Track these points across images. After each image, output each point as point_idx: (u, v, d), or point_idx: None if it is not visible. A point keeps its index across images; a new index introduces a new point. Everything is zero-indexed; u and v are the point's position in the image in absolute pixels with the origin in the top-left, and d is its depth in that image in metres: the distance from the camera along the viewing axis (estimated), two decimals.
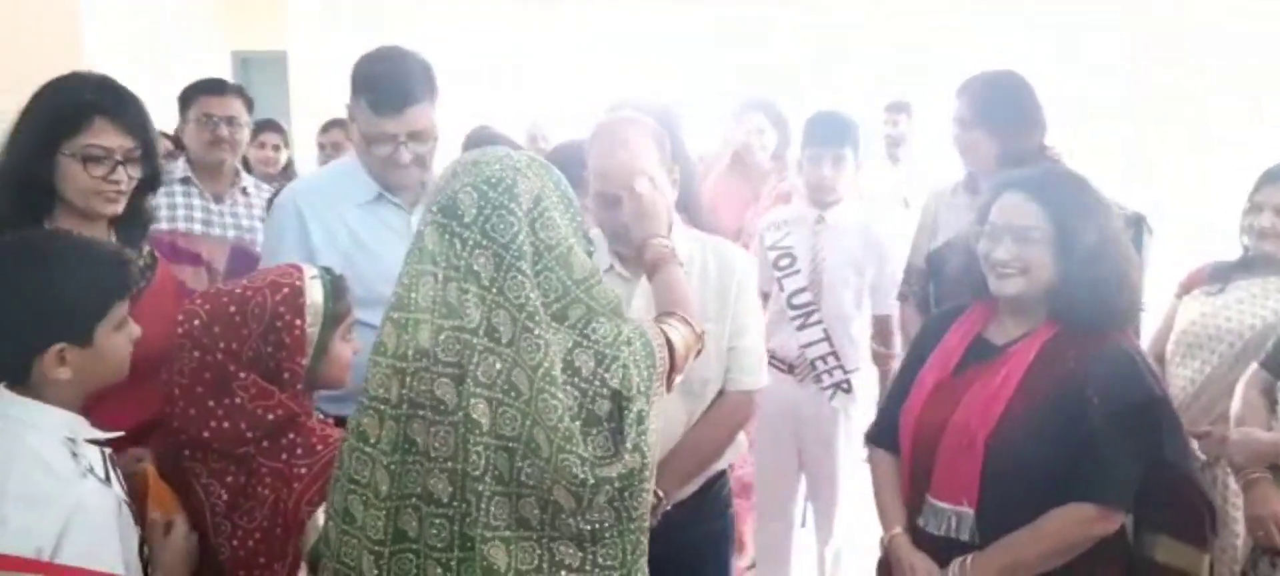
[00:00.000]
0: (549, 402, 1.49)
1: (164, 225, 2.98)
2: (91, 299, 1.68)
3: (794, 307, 3.25)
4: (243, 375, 1.79)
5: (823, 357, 3.25)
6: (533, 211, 1.56)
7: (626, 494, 1.52)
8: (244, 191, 3.23)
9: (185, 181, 3.12)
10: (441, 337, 1.51)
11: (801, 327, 3.21)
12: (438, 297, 1.52)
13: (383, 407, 1.54)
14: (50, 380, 1.64)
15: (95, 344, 1.67)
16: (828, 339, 3.24)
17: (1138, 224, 2.65)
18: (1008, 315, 2.04)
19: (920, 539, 2.03)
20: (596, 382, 1.53)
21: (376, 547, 1.56)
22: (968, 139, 2.76)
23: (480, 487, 1.50)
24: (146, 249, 2.13)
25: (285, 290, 1.83)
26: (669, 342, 1.68)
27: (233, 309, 1.81)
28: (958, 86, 2.82)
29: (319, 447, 1.82)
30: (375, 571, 1.56)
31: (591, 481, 1.49)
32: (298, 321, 1.82)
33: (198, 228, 3.05)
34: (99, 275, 1.71)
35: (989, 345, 2.04)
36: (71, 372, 1.64)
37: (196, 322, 1.81)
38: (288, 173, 4.43)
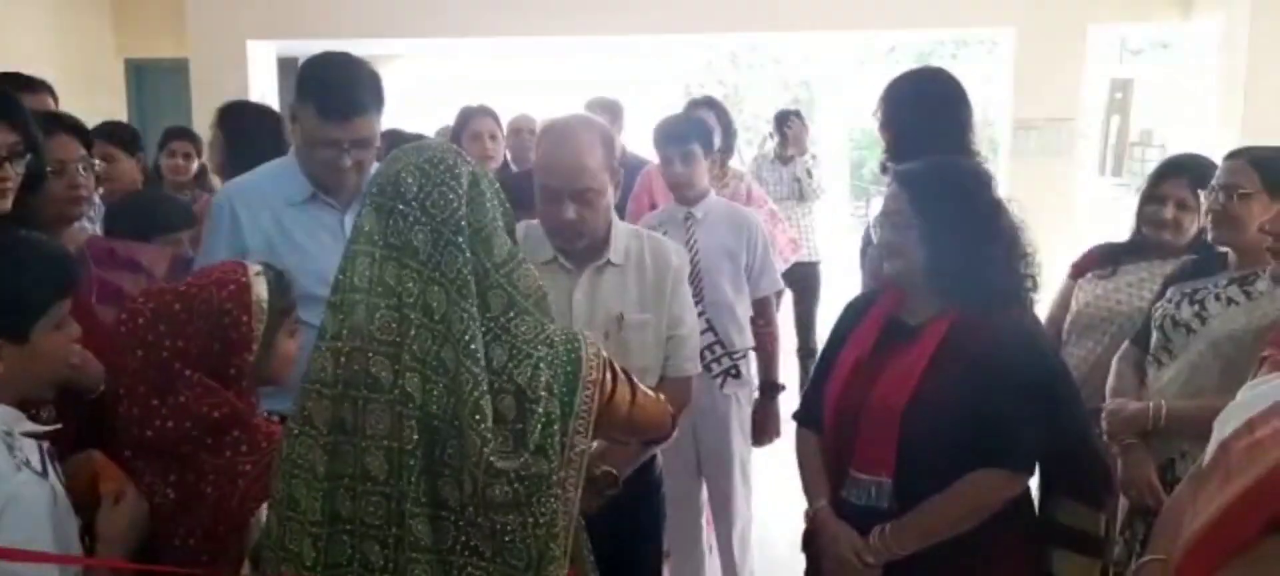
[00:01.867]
0: (466, 376, 1.50)
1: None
2: (30, 296, 1.67)
3: None
4: (189, 373, 1.79)
5: (709, 347, 3.30)
6: (470, 191, 1.58)
7: (529, 496, 1.52)
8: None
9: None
10: (377, 316, 1.53)
11: None
12: (374, 277, 1.54)
13: (320, 388, 1.55)
14: None
15: (32, 342, 1.66)
16: (712, 328, 3.31)
17: None
18: (917, 298, 2.18)
19: (843, 510, 2.15)
20: (503, 377, 1.54)
21: (314, 530, 1.56)
22: (889, 129, 2.86)
23: (412, 462, 1.51)
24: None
25: (232, 287, 1.84)
26: (624, 376, 1.72)
27: (178, 306, 1.81)
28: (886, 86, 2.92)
29: (263, 444, 1.82)
30: (313, 554, 1.56)
31: (486, 465, 1.49)
32: (245, 317, 1.83)
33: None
34: (39, 272, 1.70)
35: (903, 326, 2.17)
36: (4, 369, 1.64)
37: (140, 321, 1.81)
38: (201, 181, 4.38)
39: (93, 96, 6.74)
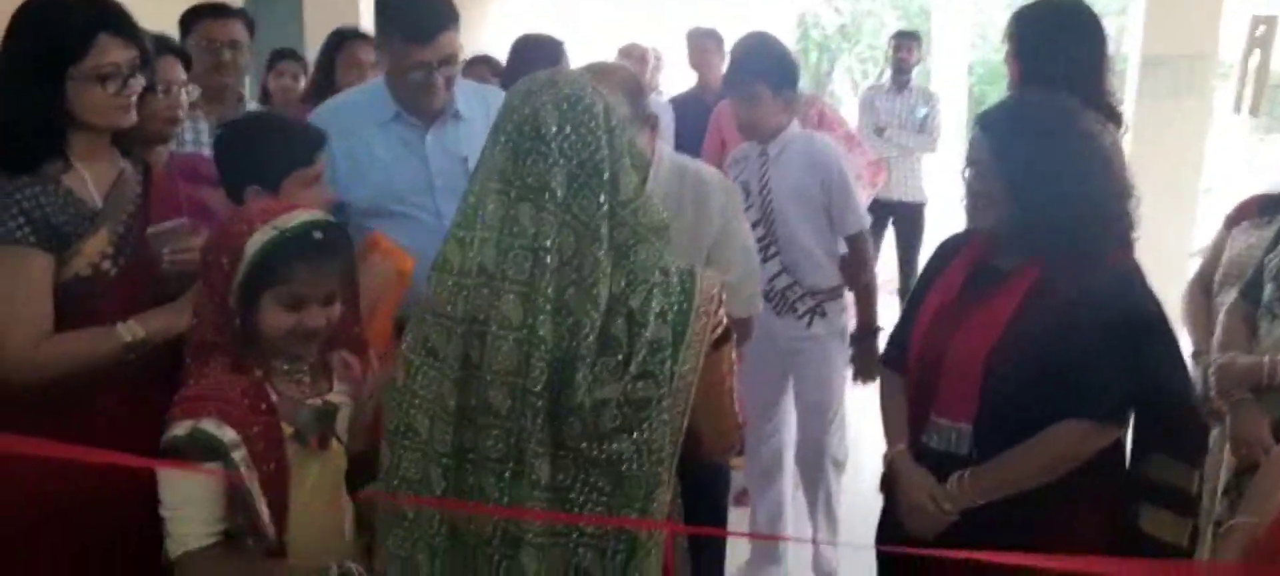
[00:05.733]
0: (586, 320, 1.51)
1: (190, 148, 3.04)
2: (279, 156, 2.18)
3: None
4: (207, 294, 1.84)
5: (789, 287, 3.26)
6: (607, 127, 1.57)
7: (639, 420, 1.53)
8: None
9: (191, 106, 3.13)
10: (510, 255, 1.53)
11: (764, 261, 3.20)
12: (507, 216, 1.54)
13: (449, 323, 1.56)
14: None
15: (281, 195, 2.10)
16: (786, 271, 3.26)
17: None
18: (1007, 242, 2.09)
19: (923, 454, 2.10)
20: (619, 303, 1.54)
21: (445, 460, 1.58)
22: (1016, 62, 2.68)
23: (539, 404, 1.52)
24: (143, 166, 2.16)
25: (241, 227, 1.81)
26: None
27: (216, 235, 1.86)
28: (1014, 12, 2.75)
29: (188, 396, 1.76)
30: (443, 483, 1.59)
31: (589, 404, 1.51)
32: (224, 260, 1.79)
33: (207, 152, 3.08)
34: (288, 137, 2.22)
35: (994, 270, 2.09)
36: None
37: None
38: (307, 102, 4.47)
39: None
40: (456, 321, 1.56)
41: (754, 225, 3.20)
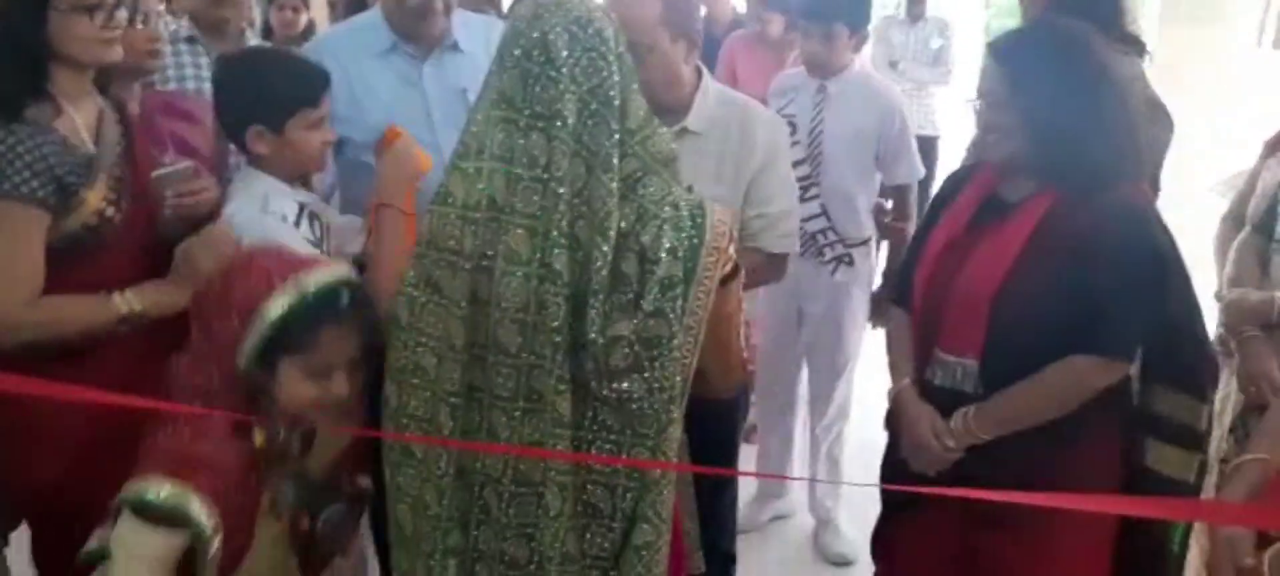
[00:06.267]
0: (597, 253, 1.47)
1: (172, 84, 3.00)
2: (283, 95, 2.05)
3: None
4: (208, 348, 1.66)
5: (822, 231, 3.20)
6: (617, 54, 1.52)
7: (650, 359, 1.50)
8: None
9: (191, 40, 3.08)
10: (520, 187, 1.49)
11: (802, 201, 3.06)
12: (516, 145, 1.49)
13: (455, 259, 1.52)
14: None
15: (285, 134, 2.03)
16: (825, 214, 3.19)
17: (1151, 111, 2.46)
18: (1018, 173, 2.04)
19: (928, 391, 2.07)
20: (630, 238, 1.51)
21: (453, 399, 1.56)
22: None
23: (558, 339, 1.49)
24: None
25: (254, 283, 1.62)
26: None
27: (220, 280, 1.69)
28: None
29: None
30: (451, 423, 1.57)
31: (601, 342, 1.48)
32: (234, 319, 1.61)
33: (206, 88, 3.05)
34: (293, 76, 2.09)
35: (1002, 202, 2.04)
36: (267, 150, 2.04)
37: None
38: (307, 36, 4.42)
39: None
40: (463, 257, 1.52)
41: (798, 163, 3.12)
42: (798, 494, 3.70)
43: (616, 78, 1.50)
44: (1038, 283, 1.90)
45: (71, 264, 1.88)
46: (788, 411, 3.56)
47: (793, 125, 3.15)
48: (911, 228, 3.16)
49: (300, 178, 2.18)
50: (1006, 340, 1.94)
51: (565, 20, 1.50)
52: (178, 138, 2.47)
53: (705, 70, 2.39)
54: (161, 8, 2.50)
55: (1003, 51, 2.02)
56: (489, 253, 1.51)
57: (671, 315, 1.51)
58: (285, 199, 2.06)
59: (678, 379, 1.55)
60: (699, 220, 1.54)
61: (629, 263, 1.50)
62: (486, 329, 1.53)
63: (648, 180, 1.54)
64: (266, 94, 2.06)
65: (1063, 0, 2.40)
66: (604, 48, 1.50)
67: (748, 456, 3.63)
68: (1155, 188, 2.41)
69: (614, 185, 1.48)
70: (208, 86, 3.03)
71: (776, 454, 3.60)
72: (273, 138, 2.05)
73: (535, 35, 1.51)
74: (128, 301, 1.89)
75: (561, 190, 1.48)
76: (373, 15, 2.57)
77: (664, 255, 1.50)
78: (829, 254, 3.23)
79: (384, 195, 1.80)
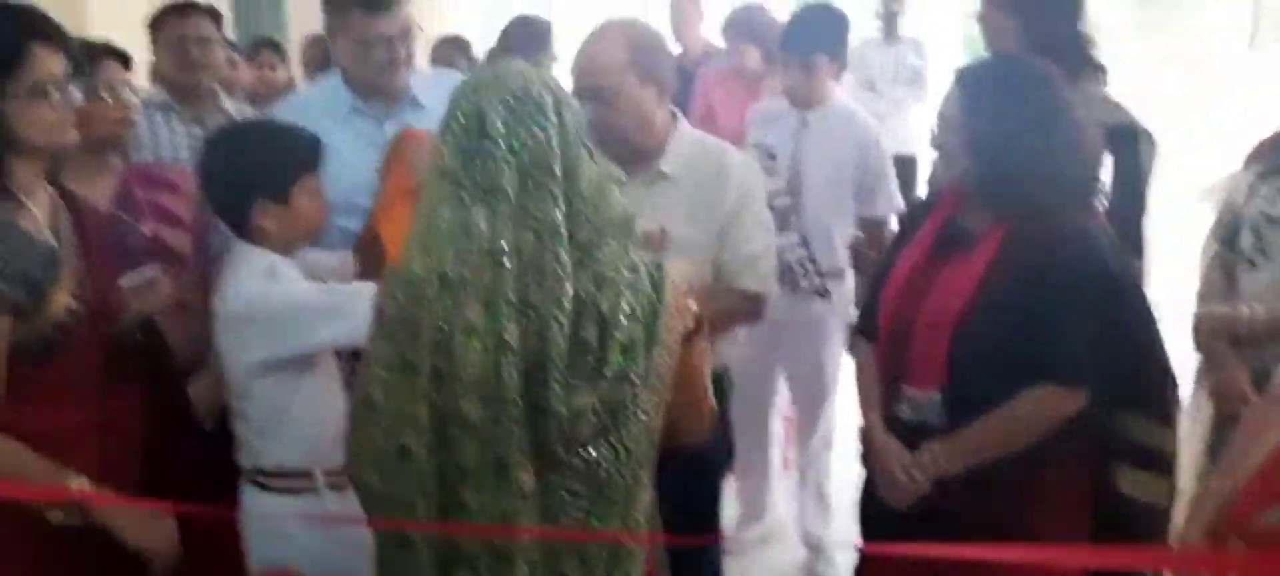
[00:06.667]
0: (552, 322, 1.47)
1: (147, 154, 3.01)
2: (287, 164, 2.04)
3: (770, 210, 3.00)
4: None
5: (800, 261, 3.18)
6: (558, 122, 1.52)
7: (615, 423, 1.50)
8: (224, 113, 3.18)
9: (165, 107, 3.08)
10: (470, 260, 1.48)
11: (778, 231, 3.01)
12: (461, 220, 1.49)
13: (412, 331, 1.51)
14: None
15: (290, 203, 2.02)
16: (805, 244, 3.18)
17: (1131, 137, 2.43)
18: (977, 202, 2.05)
19: (895, 425, 2.07)
20: (589, 305, 1.50)
21: (426, 482, 1.54)
22: (995, 20, 2.54)
23: (514, 411, 1.48)
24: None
25: None
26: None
27: None
28: None
29: None
30: (423, 505, 1.54)
31: (566, 413, 1.48)
32: None
33: (184, 154, 3.06)
34: (292, 145, 2.07)
35: (963, 230, 2.06)
36: (272, 225, 2.01)
37: None
38: (287, 93, 4.44)
39: None
40: (424, 330, 1.51)
41: (778, 194, 3.13)
42: (781, 514, 3.70)
43: (556, 147, 1.50)
44: (993, 314, 1.91)
45: (45, 363, 1.81)
46: (764, 442, 3.55)
47: (772, 155, 3.17)
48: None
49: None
50: (969, 372, 1.94)
51: (501, 93, 1.51)
52: (159, 208, 2.46)
53: (679, 114, 2.41)
54: (126, 77, 2.48)
55: (963, 77, 2.06)
56: (445, 327, 1.50)
57: (635, 378, 1.50)
58: (289, 266, 2.04)
59: (645, 442, 1.55)
60: (658, 281, 1.54)
61: (589, 330, 1.50)
62: (448, 403, 1.52)
63: (604, 245, 1.54)
64: (268, 165, 2.03)
65: (1029, 29, 2.42)
66: (542, 118, 1.50)
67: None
68: (1136, 227, 2.41)
69: (564, 254, 1.48)
70: (186, 154, 3.06)
71: (754, 490, 3.58)
72: (277, 209, 2.01)
73: (472, 110, 1.51)
74: (80, 494, 1.77)
75: (507, 263, 1.47)
76: (332, 80, 2.59)
77: (623, 320, 1.50)
78: (805, 285, 3.22)
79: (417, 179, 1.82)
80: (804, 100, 3.20)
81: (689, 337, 1.59)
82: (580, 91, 2.18)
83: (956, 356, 1.95)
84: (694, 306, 1.61)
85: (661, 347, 1.53)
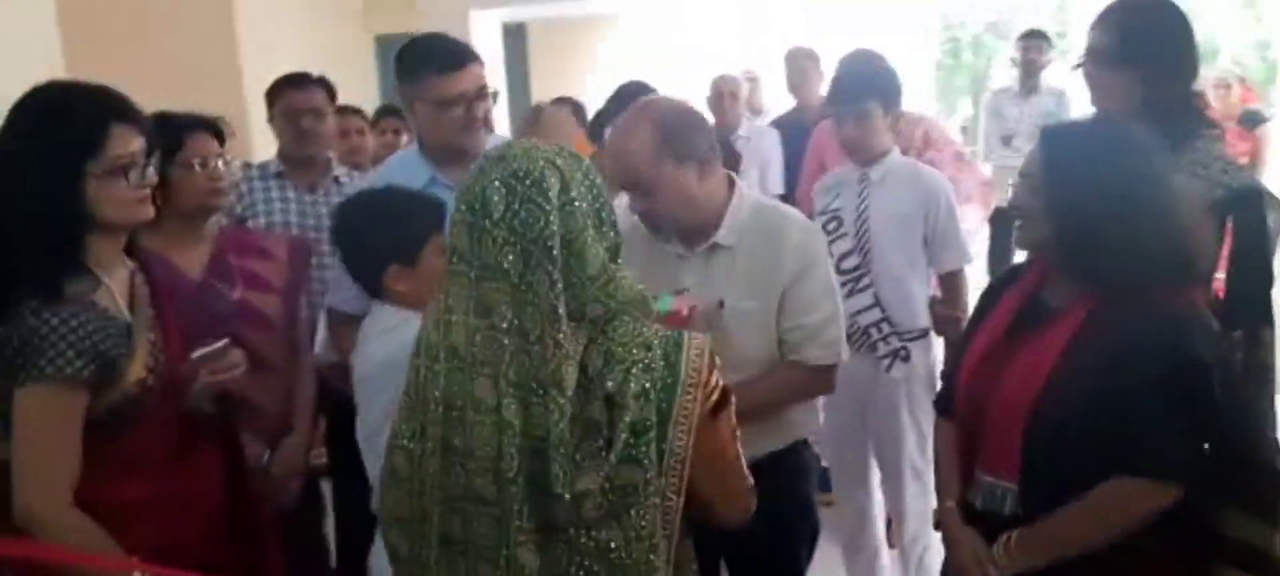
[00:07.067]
0: (553, 405, 1.45)
1: (261, 220, 3.16)
2: (417, 228, 2.12)
3: (841, 272, 2.99)
4: None
5: (876, 324, 3.05)
6: (561, 202, 1.51)
7: (625, 507, 1.47)
8: (337, 181, 3.31)
9: (279, 176, 3.26)
10: (478, 338, 1.49)
11: (850, 294, 3.00)
12: (471, 297, 1.51)
13: (432, 407, 1.53)
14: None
15: (419, 265, 2.10)
16: (879, 304, 3.05)
17: (1254, 198, 2.21)
18: (1059, 275, 1.92)
19: (970, 511, 1.96)
20: (596, 384, 1.48)
21: (437, 549, 1.56)
22: (1102, 77, 2.37)
23: (514, 489, 1.48)
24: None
25: None
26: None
27: None
28: (1099, 13, 2.41)
29: None
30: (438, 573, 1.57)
31: (568, 494, 1.45)
32: None
33: (293, 220, 3.20)
34: (420, 209, 2.16)
35: (1044, 307, 1.93)
36: (406, 287, 2.10)
37: None
38: (376, 160, 4.55)
39: (343, 70, 7.11)
40: (438, 403, 1.53)
41: (846, 254, 3.07)
42: None
43: (556, 228, 1.48)
44: (1074, 398, 1.77)
45: (117, 431, 1.85)
46: (865, 530, 3.38)
47: (839, 220, 3.08)
48: (966, 317, 2.95)
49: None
50: (1044, 461, 1.81)
51: (504, 173, 1.50)
52: (248, 273, 2.56)
53: (739, 181, 2.35)
54: (220, 150, 2.54)
55: (1049, 136, 1.94)
56: (458, 403, 1.51)
57: (646, 461, 1.46)
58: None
59: (659, 526, 1.50)
60: (673, 358, 1.50)
61: (596, 409, 1.47)
62: (461, 479, 1.52)
63: (618, 322, 1.51)
64: (404, 231, 2.12)
65: (1145, 83, 2.25)
66: (542, 199, 1.48)
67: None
68: (1263, 296, 2.20)
69: (563, 333, 1.46)
70: (294, 218, 3.21)
71: (866, 556, 3.42)
72: (408, 271, 2.10)
73: (476, 189, 1.51)
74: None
75: (507, 340, 1.47)
76: (410, 153, 2.64)
77: (632, 399, 1.47)
78: (883, 348, 3.08)
79: None
80: (863, 152, 3.09)
81: (714, 412, 1.54)
82: (622, 185, 2.18)
83: (1031, 443, 1.82)
84: (717, 380, 1.55)
85: (676, 427, 1.48)
